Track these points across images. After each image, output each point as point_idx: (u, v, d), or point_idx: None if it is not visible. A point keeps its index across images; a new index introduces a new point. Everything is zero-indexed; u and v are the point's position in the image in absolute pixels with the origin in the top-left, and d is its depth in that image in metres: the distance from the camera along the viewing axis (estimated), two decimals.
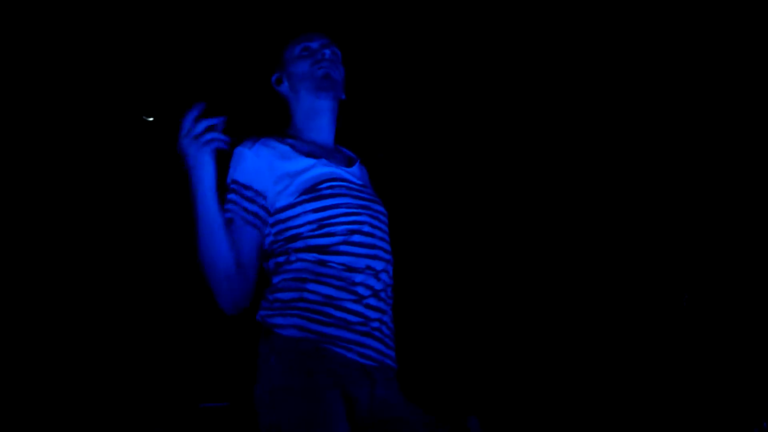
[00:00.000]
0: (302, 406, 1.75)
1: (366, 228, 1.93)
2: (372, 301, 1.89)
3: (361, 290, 1.88)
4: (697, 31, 4.06)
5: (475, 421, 2.90)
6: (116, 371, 4.27)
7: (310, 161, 1.94)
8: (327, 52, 2.05)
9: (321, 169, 1.95)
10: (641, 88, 4.38)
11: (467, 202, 4.89)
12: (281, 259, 1.93)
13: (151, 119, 4.61)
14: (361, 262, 1.89)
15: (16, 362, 4.15)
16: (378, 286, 1.91)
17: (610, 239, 4.60)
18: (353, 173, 2.03)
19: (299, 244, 1.90)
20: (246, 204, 1.89)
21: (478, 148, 4.85)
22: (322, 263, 1.87)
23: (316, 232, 1.89)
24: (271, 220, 1.93)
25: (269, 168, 1.91)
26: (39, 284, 4.40)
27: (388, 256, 1.98)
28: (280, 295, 1.89)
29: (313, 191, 1.90)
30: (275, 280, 1.93)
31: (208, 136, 1.76)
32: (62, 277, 4.47)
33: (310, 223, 1.89)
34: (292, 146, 1.97)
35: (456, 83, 4.53)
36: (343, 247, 1.88)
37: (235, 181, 1.92)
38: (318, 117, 2.07)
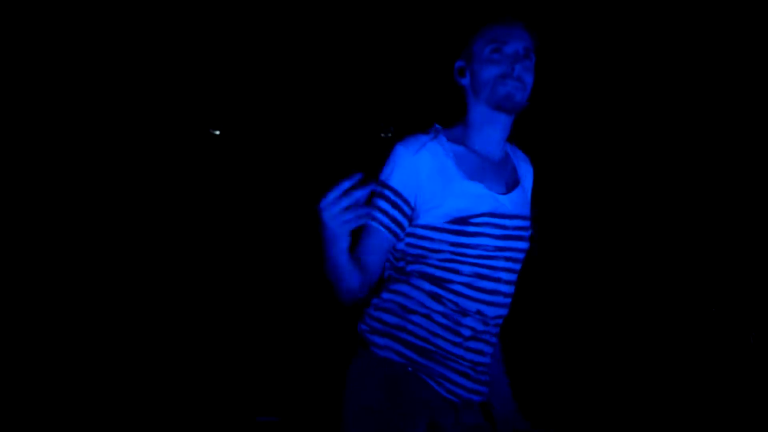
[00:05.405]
0: (385, 428, 1.76)
1: (495, 273, 1.86)
2: (472, 344, 1.87)
3: (464, 331, 1.86)
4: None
5: None
6: (172, 384, 4.30)
7: (470, 187, 1.85)
8: (518, 67, 1.87)
9: (477, 200, 1.85)
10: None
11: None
12: (398, 274, 1.89)
13: (217, 132, 4.65)
14: (473, 306, 1.85)
15: (74, 378, 4.21)
16: (480, 327, 1.88)
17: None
18: (507, 203, 1.91)
19: (422, 268, 1.86)
20: (394, 213, 1.83)
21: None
22: (435, 296, 1.85)
23: (443, 264, 1.84)
24: (408, 229, 1.86)
25: (428, 180, 1.83)
26: (101, 296, 4.47)
27: (506, 300, 1.91)
28: (384, 316, 1.88)
29: (461, 223, 1.83)
30: (385, 295, 1.90)
31: (350, 215, 1.65)
32: (124, 292, 4.54)
33: (441, 252, 1.84)
34: (456, 159, 1.88)
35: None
36: (461, 288, 1.85)
37: (387, 186, 1.83)
38: (491, 128, 1.93)
